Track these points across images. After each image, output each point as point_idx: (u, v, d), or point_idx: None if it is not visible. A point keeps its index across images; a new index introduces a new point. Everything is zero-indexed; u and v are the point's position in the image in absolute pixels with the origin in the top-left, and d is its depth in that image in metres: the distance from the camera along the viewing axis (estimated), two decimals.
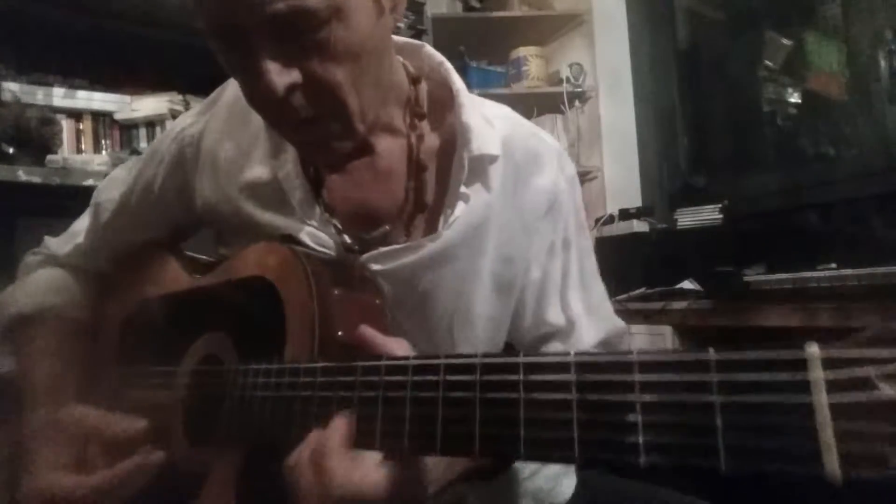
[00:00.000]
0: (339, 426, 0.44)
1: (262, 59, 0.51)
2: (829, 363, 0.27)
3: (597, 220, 2.12)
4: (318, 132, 0.57)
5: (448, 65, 0.69)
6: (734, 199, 1.87)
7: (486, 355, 0.39)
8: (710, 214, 1.87)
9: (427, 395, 0.41)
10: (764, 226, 1.86)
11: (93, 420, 0.61)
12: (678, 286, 1.66)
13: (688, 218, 1.90)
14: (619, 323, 0.78)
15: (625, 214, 2.01)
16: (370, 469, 0.43)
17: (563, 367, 0.35)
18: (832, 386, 0.27)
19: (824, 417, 0.27)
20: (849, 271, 1.33)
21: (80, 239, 0.78)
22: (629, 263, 1.90)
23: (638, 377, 0.32)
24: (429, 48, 0.71)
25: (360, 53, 0.54)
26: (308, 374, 0.48)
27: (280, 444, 0.49)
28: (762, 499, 0.89)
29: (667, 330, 1.68)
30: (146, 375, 0.70)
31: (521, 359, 0.37)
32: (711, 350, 0.30)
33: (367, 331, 0.51)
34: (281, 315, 0.54)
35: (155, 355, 0.69)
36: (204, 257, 0.76)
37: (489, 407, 0.38)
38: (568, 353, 0.35)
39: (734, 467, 0.29)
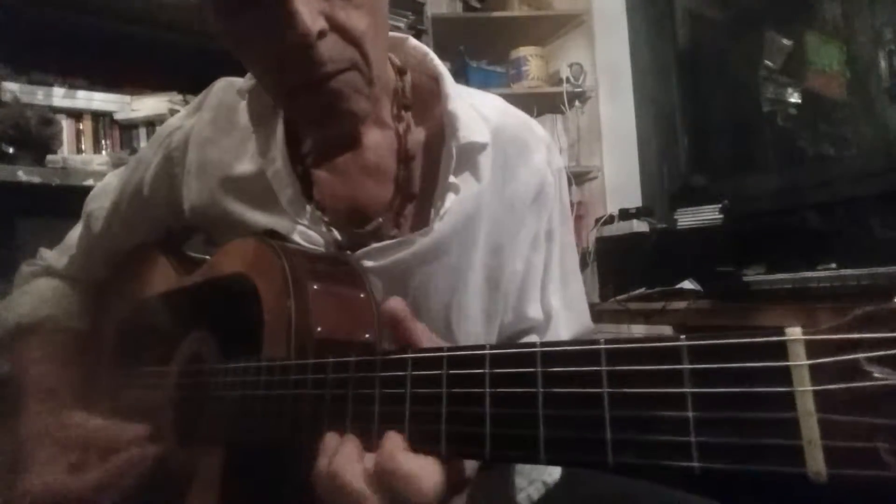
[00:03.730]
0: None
1: (292, 2, 0.50)
2: (812, 347, 0.24)
3: (597, 220, 2.11)
4: (340, 85, 0.56)
5: (433, 56, 0.69)
6: (734, 199, 1.87)
7: (451, 348, 0.37)
8: (710, 214, 1.86)
9: (395, 392, 0.39)
10: (764, 226, 1.85)
11: (91, 426, 0.61)
12: (678, 286, 1.66)
13: (688, 218, 1.90)
14: (591, 323, 0.77)
15: (625, 214, 2.01)
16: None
17: (529, 359, 0.32)
18: (816, 373, 0.24)
19: (807, 409, 0.24)
20: (849, 271, 1.32)
21: (75, 250, 0.78)
22: (629, 263, 1.90)
23: (606, 368, 0.29)
24: (413, 41, 0.70)
25: (377, 8, 0.57)
26: (282, 372, 0.47)
27: (256, 442, 0.49)
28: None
29: (667, 330, 1.68)
30: (138, 378, 0.70)
31: (487, 351, 0.35)
32: (683, 336, 0.27)
33: (401, 308, 0.42)
34: (260, 312, 0.54)
35: (147, 358, 0.69)
36: (198, 255, 0.76)
37: (455, 403, 0.35)
38: (534, 344, 0.33)
39: (707, 466, 0.26)
